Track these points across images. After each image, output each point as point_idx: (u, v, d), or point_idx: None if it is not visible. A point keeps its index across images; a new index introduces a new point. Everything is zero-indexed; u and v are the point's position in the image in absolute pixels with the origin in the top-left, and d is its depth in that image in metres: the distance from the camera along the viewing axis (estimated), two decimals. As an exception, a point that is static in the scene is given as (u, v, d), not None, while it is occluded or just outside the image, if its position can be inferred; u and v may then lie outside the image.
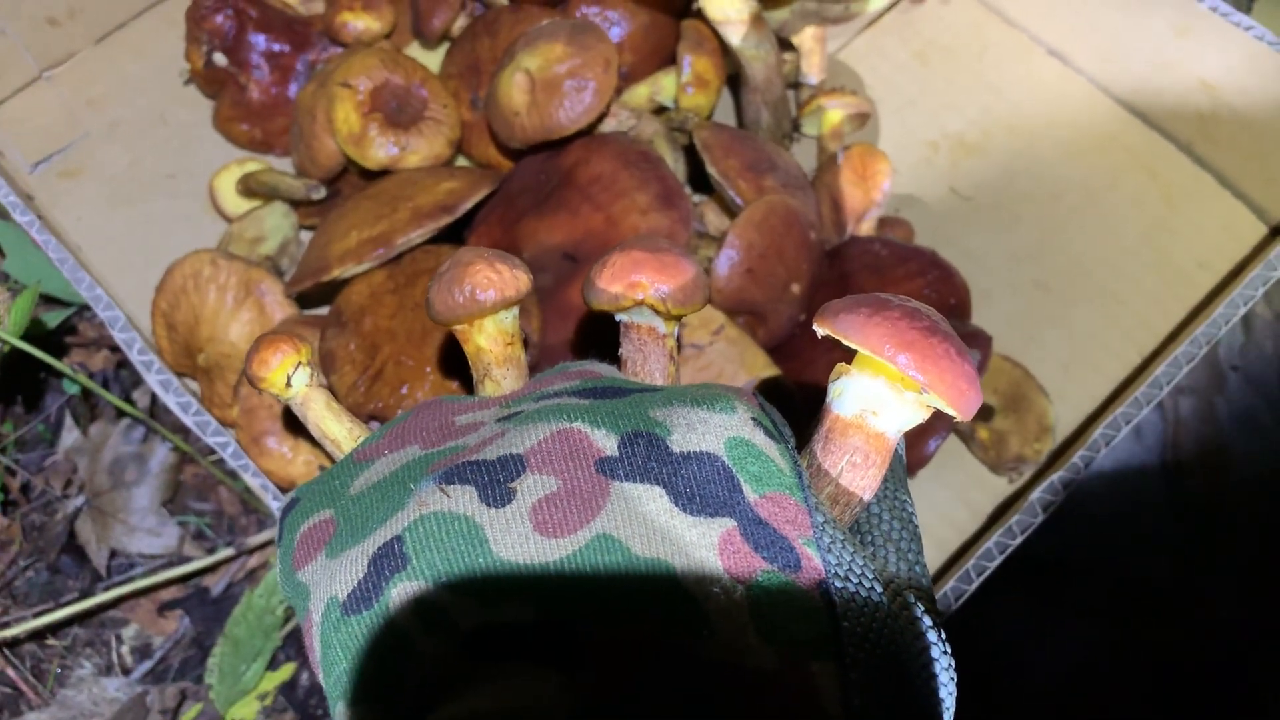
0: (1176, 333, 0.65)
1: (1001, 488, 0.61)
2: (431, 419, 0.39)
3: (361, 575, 0.32)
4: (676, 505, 0.33)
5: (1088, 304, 0.68)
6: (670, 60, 0.71)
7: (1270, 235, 0.65)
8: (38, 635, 0.72)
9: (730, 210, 0.62)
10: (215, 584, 0.73)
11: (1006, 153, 0.74)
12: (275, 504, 0.52)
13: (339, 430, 0.41)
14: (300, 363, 0.41)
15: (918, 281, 0.63)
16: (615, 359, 0.43)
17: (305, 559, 0.35)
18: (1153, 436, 0.58)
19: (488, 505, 0.33)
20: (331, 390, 0.44)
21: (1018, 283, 0.69)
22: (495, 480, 0.33)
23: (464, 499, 0.33)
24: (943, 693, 0.34)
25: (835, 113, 0.69)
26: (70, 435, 0.71)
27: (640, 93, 0.69)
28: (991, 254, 0.70)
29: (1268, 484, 0.63)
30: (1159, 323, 0.67)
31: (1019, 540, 0.51)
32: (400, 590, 0.31)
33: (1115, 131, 0.74)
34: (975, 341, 0.58)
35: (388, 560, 0.32)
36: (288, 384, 0.41)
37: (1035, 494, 0.53)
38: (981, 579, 0.50)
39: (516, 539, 0.32)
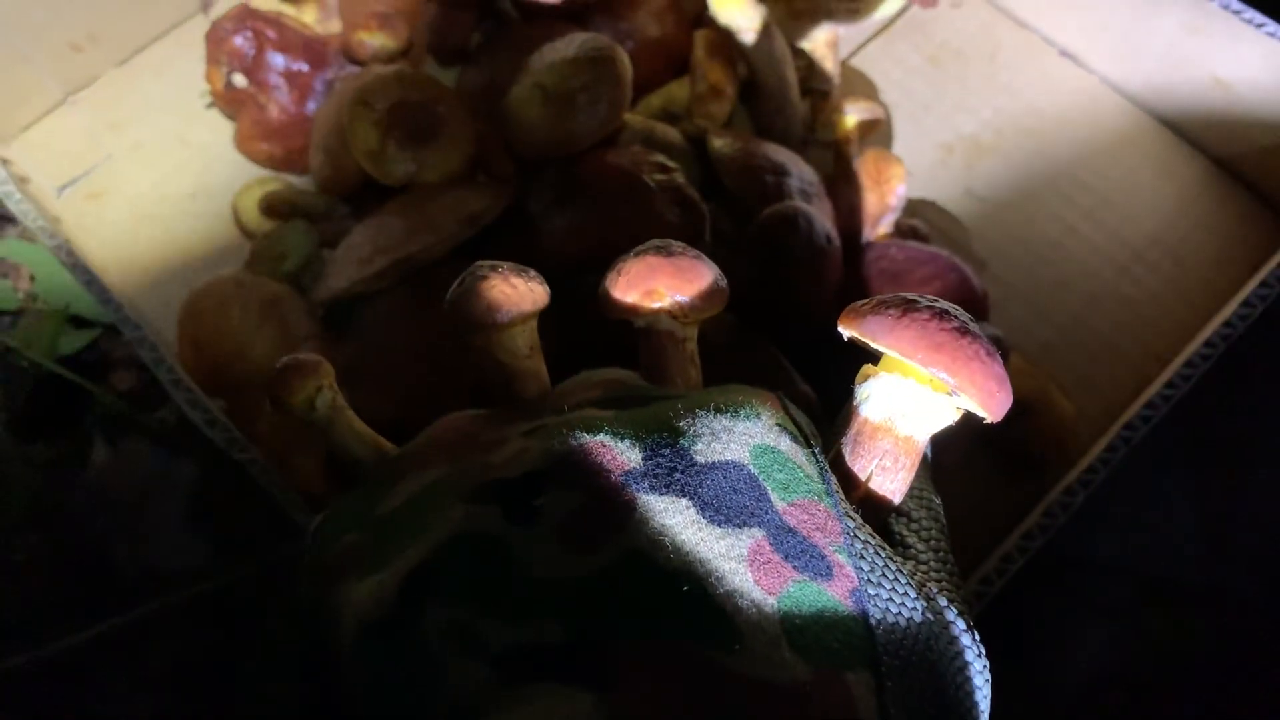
0: (1195, 331, 0.65)
1: (1022, 489, 0.61)
2: (455, 435, 0.39)
3: (393, 600, 0.32)
4: (704, 517, 0.32)
5: (1106, 304, 0.68)
6: (684, 70, 0.71)
7: (1287, 231, 0.65)
8: (71, 654, 0.72)
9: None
10: (245, 598, 0.74)
11: (1021, 154, 0.74)
12: (303, 520, 0.53)
13: (363, 449, 0.41)
14: (322, 385, 0.41)
15: (935, 285, 0.63)
16: (635, 364, 0.42)
17: (334, 581, 0.35)
18: (1173, 434, 0.58)
19: (514, 524, 0.32)
20: (354, 407, 0.44)
21: (1035, 284, 0.69)
22: (520, 498, 0.33)
23: (490, 519, 0.32)
24: (978, 696, 0.33)
25: (849, 118, 0.70)
26: (101, 453, 0.72)
27: (654, 103, 0.70)
28: (1008, 255, 0.70)
29: (1290, 480, 0.63)
30: (1177, 322, 0.67)
31: (1040, 542, 0.51)
32: (430, 614, 0.31)
33: (1129, 130, 0.74)
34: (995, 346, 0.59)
35: (417, 584, 0.32)
36: (311, 406, 0.41)
37: (1055, 495, 0.53)
38: (1003, 580, 0.50)
39: (544, 557, 0.31)
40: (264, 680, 0.37)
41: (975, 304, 0.64)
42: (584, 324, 0.55)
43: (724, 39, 0.69)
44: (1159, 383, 0.56)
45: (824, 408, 0.56)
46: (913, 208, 0.71)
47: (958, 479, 0.62)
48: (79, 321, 0.73)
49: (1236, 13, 0.66)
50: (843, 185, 0.66)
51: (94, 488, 0.74)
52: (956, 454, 0.60)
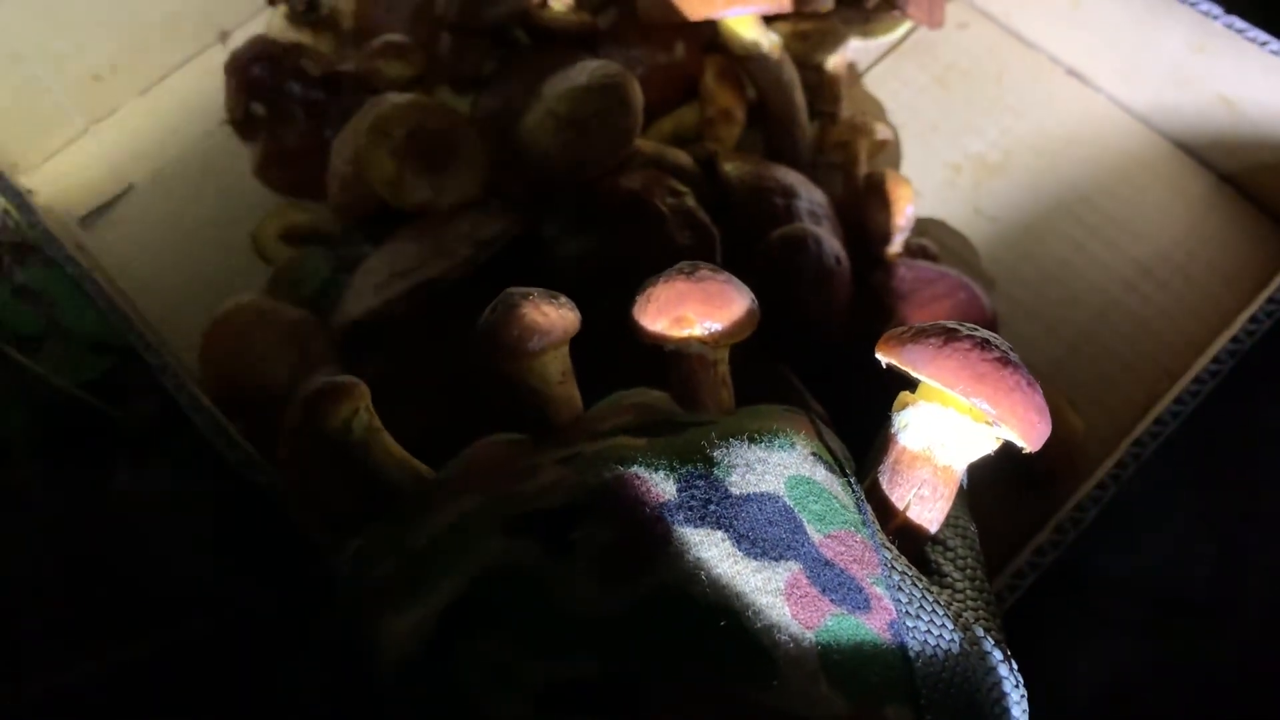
0: (1205, 347, 0.66)
1: (1033, 506, 0.61)
2: (489, 463, 0.39)
3: (432, 635, 0.32)
4: (739, 550, 0.32)
5: (1115, 321, 0.69)
6: (694, 94, 0.72)
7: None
8: (91, 678, 0.73)
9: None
10: (267, 621, 0.75)
11: (1028, 173, 0.75)
12: (324, 543, 0.53)
13: (399, 473, 0.41)
14: (359, 407, 0.41)
15: (945, 304, 0.64)
16: (660, 382, 0.42)
17: (372, 615, 0.35)
18: (1183, 450, 0.59)
19: (550, 557, 0.32)
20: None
21: (1044, 301, 0.70)
22: (556, 531, 0.32)
23: (527, 552, 0.32)
24: None
25: (858, 140, 0.71)
26: (123, 477, 0.74)
27: (665, 127, 0.71)
28: (1017, 273, 0.71)
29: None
30: (1187, 338, 0.67)
31: (1050, 559, 0.51)
32: (469, 650, 0.31)
33: (1136, 148, 0.75)
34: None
35: (456, 619, 0.32)
36: (348, 429, 0.41)
37: (1066, 511, 0.54)
38: (1015, 597, 0.50)
39: (579, 591, 0.31)
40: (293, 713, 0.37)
41: (984, 322, 0.64)
42: (600, 343, 0.56)
43: (733, 64, 0.70)
44: (1168, 399, 0.57)
45: (836, 427, 0.56)
46: (922, 227, 0.72)
47: (969, 496, 0.62)
48: (101, 347, 0.74)
49: (1241, 31, 0.66)
50: (852, 206, 0.67)
51: (115, 512, 0.74)
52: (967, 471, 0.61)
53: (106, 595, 0.73)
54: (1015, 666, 0.33)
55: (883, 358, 0.35)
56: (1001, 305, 0.68)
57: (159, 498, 0.74)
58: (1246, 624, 0.61)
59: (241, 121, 0.74)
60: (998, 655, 0.33)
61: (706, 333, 0.39)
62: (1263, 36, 0.66)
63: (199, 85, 0.81)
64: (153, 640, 0.72)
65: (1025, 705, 0.33)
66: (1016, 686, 0.33)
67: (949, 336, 0.34)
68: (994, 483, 0.62)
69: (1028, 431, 0.33)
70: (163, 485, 0.74)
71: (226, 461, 0.57)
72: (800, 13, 0.69)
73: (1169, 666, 0.60)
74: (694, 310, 0.38)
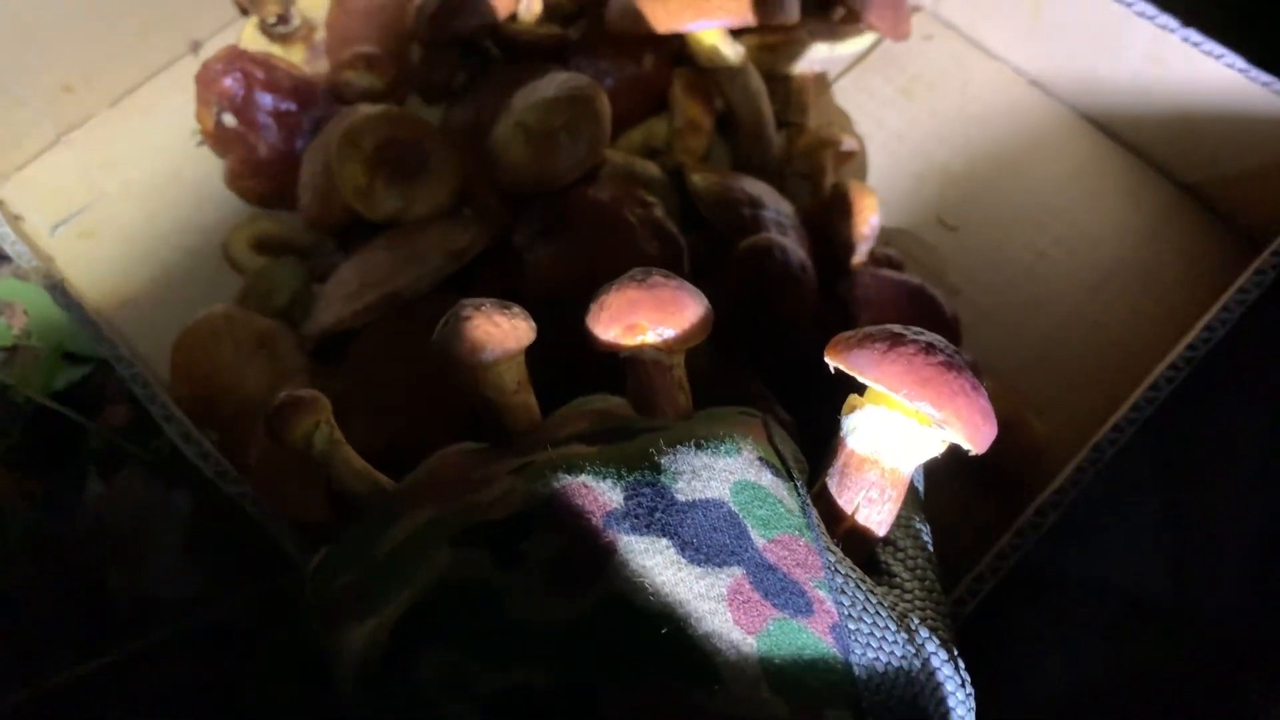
0: (1165, 353, 0.67)
1: (995, 510, 0.62)
2: (447, 474, 0.39)
3: (386, 643, 0.32)
4: (684, 556, 0.32)
5: (1077, 327, 0.70)
6: (663, 106, 0.73)
7: (1251, 257, 0.67)
8: (69, 687, 0.73)
9: (724, 250, 0.64)
10: (241, 627, 0.75)
11: (991, 182, 0.76)
12: (295, 550, 0.54)
13: (360, 484, 0.42)
14: (320, 421, 0.42)
15: (909, 312, 0.65)
16: (625, 387, 0.42)
17: (335, 624, 0.35)
18: (1142, 455, 0.60)
19: (500, 568, 0.32)
20: (346, 440, 0.45)
21: (1008, 308, 0.71)
22: (506, 541, 0.33)
23: (477, 563, 0.33)
24: None
25: (824, 150, 0.71)
26: (95, 487, 0.74)
27: (634, 138, 0.72)
28: (981, 281, 0.72)
29: (1256, 497, 0.64)
30: (1147, 343, 0.68)
31: (1011, 562, 0.52)
32: (423, 658, 0.32)
33: (1097, 158, 0.76)
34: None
35: (410, 628, 0.32)
36: (309, 442, 0.41)
37: (1027, 516, 0.55)
38: (976, 601, 0.51)
39: (528, 600, 0.32)
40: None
41: (946, 329, 0.65)
42: (569, 351, 0.57)
43: (701, 76, 0.71)
44: (1126, 405, 0.58)
45: (802, 432, 0.57)
46: (887, 236, 0.73)
47: (930, 501, 0.63)
48: (73, 357, 0.74)
49: (1196, 44, 0.68)
50: (818, 216, 0.68)
51: (89, 520, 0.75)
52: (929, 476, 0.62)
53: (79, 604, 0.73)
54: (962, 666, 0.34)
55: (831, 361, 0.36)
56: (966, 313, 0.69)
57: (131, 510, 0.74)
58: (1205, 625, 0.62)
59: (213, 132, 0.75)
60: (942, 655, 0.34)
61: (660, 339, 0.39)
62: (1218, 49, 0.67)
63: (170, 96, 0.81)
64: (125, 649, 0.72)
65: (971, 704, 0.34)
66: (962, 685, 0.34)
67: (894, 341, 0.34)
68: (959, 488, 0.64)
69: (973, 434, 0.34)
70: (135, 494, 0.74)
71: (198, 471, 0.57)
72: (767, 25, 0.70)
73: (1129, 667, 0.61)
74: (646, 317, 0.39)
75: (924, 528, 0.40)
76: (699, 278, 0.62)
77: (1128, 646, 0.62)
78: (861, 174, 0.77)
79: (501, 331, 0.40)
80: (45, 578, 0.73)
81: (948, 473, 0.65)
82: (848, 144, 0.72)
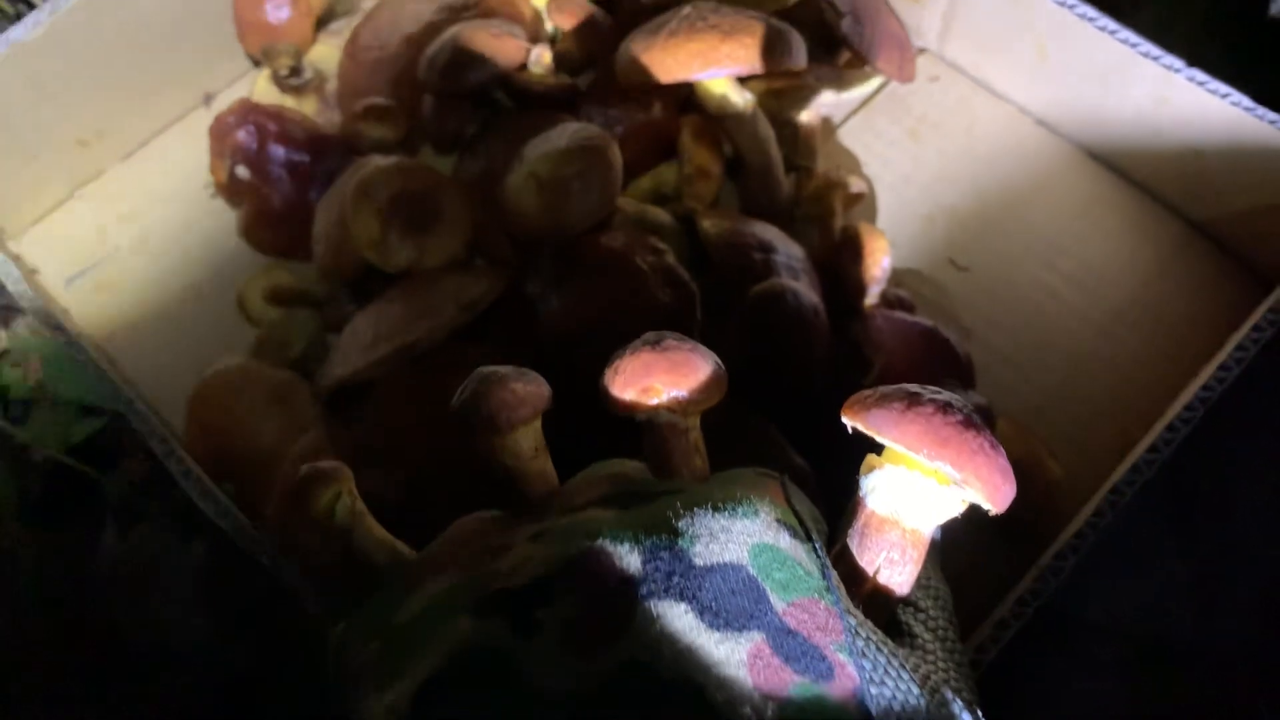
0: (1179, 390, 0.67)
1: (1014, 554, 0.62)
2: (465, 542, 0.39)
3: (407, 712, 0.32)
4: (703, 621, 0.32)
5: (1090, 366, 0.70)
6: (672, 152, 0.74)
7: (1262, 294, 0.67)
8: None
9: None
10: (254, 678, 0.75)
11: (1000, 222, 0.76)
12: (311, 603, 0.54)
13: (381, 554, 0.42)
14: (341, 491, 0.42)
15: (922, 354, 0.65)
16: (640, 445, 0.42)
17: (357, 695, 0.35)
18: (1160, 496, 0.60)
19: (518, 636, 0.32)
20: (362, 491, 0.45)
21: (1020, 349, 0.71)
22: (523, 608, 0.33)
23: (495, 631, 0.33)
24: None
25: (833, 193, 0.72)
26: (110, 538, 0.74)
27: (644, 184, 0.72)
28: (992, 321, 0.72)
29: (1275, 536, 0.64)
30: (1160, 380, 0.68)
31: (1033, 607, 0.52)
32: None
33: (1106, 196, 0.77)
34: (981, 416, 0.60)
35: (429, 699, 0.32)
36: (331, 513, 0.42)
37: (1047, 559, 0.55)
38: (998, 648, 0.51)
39: (548, 669, 0.31)
40: None
41: (960, 372, 0.65)
42: (582, 402, 0.57)
43: (710, 122, 0.72)
44: (1143, 446, 0.58)
45: (819, 478, 0.57)
46: (898, 278, 0.73)
47: (947, 546, 0.63)
48: (90, 410, 0.74)
49: (1201, 84, 0.68)
50: (829, 259, 0.68)
51: (104, 570, 0.75)
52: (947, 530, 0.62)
53: (94, 657, 0.73)
54: None
55: (848, 421, 0.36)
56: (978, 354, 0.69)
57: (146, 561, 0.74)
58: (1225, 665, 0.61)
59: (227, 184, 0.75)
60: (966, 718, 0.33)
61: (674, 401, 0.39)
62: (1223, 89, 0.68)
63: (184, 149, 0.82)
64: (140, 701, 0.72)
65: None
66: None
67: (912, 401, 0.34)
68: (977, 531, 0.63)
69: (992, 494, 0.34)
70: (150, 549, 0.74)
71: (214, 526, 0.58)
72: (774, 71, 0.70)
73: (1153, 709, 0.60)
74: (661, 380, 0.39)
75: (943, 587, 0.40)
76: (711, 323, 0.63)
77: (1150, 688, 0.61)
78: (870, 216, 0.77)
79: (518, 398, 0.40)
80: (59, 626, 0.73)
81: (964, 518, 0.65)
82: (856, 186, 0.73)
